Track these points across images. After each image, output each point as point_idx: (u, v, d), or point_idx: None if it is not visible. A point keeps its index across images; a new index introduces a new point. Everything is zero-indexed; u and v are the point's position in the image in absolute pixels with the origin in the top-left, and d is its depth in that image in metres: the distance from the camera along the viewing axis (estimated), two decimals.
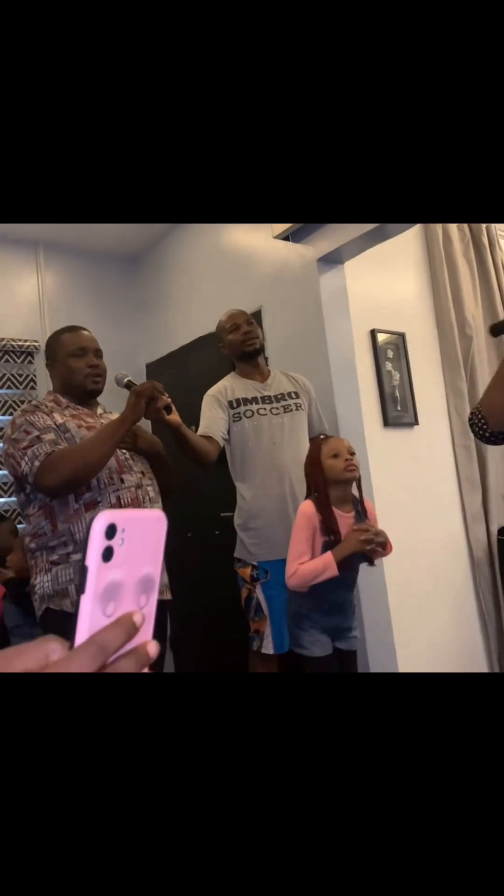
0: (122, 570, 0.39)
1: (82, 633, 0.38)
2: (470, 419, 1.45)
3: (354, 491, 1.90)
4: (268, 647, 2.06)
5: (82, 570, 0.38)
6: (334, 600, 1.84)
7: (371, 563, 1.85)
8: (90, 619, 0.38)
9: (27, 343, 3.29)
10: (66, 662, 0.36)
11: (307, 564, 1.78)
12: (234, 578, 2.25)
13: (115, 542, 0.38)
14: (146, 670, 0.39)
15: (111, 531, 0.38)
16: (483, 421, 1.40)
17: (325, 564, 1.75)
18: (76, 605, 0.38)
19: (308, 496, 1.89)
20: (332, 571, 1.74)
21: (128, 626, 0.38)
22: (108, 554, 0.38)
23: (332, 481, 1.83)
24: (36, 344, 3.29)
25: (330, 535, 1.79)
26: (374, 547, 1.77)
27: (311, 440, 1.95)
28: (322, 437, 1.94)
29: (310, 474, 1.89)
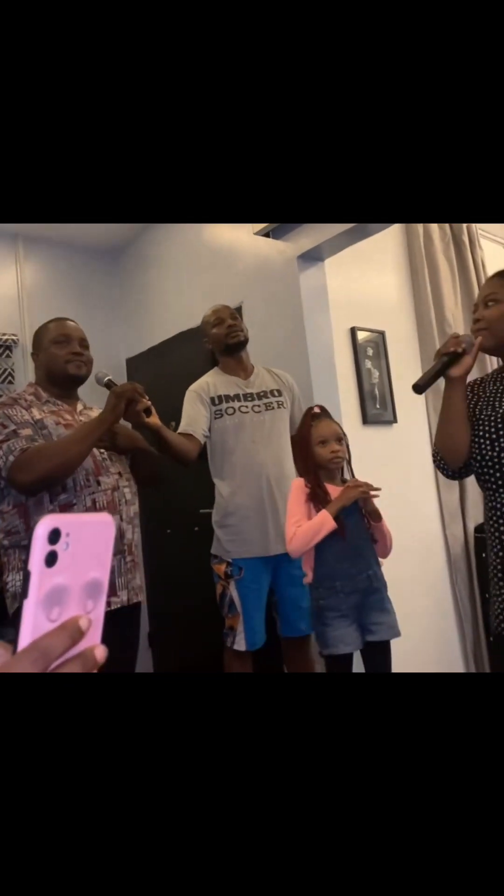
0: (66, 575, 0.39)
1: (25, 638, 0.37)
2: (433, 459, 1.49)
3: (347, 474, 1.92)
4: (240, 644, 2.06)
5: (25, 576, 0.37)
6: (347, 573, 1.78)
7: (374, 518, 1.81)
8: (34, 623, 0.38)
9: (6, 336, 3.25)
10: (5, 668, 0.36)
11: (304, 525, 1.77)
12: (213, 575, 2.25)
13: (58, 547, 0.38)
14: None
15: (54, 536, 0.38)
16: (442, 461, 1.44)
17: (322, 519, 1.75)
18: (19, 609, 0.38)
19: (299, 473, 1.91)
20: (330, 524, 1.73)
21: (72, 631, 0.38)
22: (51, 559, 0.38)
23: (319, 466, 1.85)
24: (14, 337, 3.25)
25: (323, 504, 1.79)
26: (368, 495, 1.76)
27: (305, 414, 1.93)
28: (317, 410, 1.92)
29: (298, 454, 1.90)
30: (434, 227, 3.19)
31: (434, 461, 1.47)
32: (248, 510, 2.11)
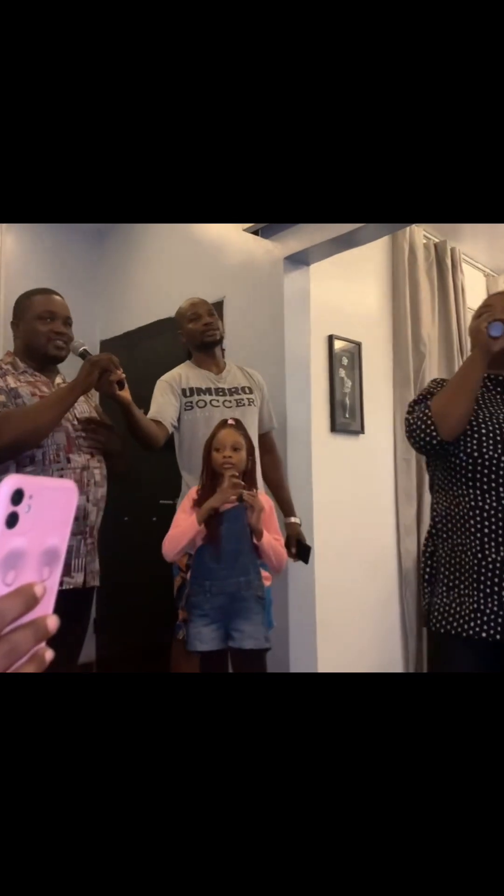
0: (25, 539, 0.37)
1: None
2: (415, 424, 1.40)
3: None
4: None
5: None
6: (217, 574, 1.78)
7: (256, 536, 1.78)
8: None
9: None
10: None
11: (175, 529, 1.80)
12: (166, 566, 2.23)
13: (20, 509, 0.37)
14: (42, 645, 0.38)
15: (17, 496, 0.37)
16: (433, 427, 1.36)
17: (188, 523, 1.76)
18: None
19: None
20: (193, 527, 1.75)
21: (27, 597, 0.37)
22: (12, 520, 0.36)
23: (214, 472, 1.84)
24: None
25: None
26: (237, 498, 1.74)
27: (218, 423, 1.93)
28: (230, 421, 1.91)
29: (203, 457, 1.90)
30: (419, 245, 3.24)
31: (421, 427, 1.38)
32: None
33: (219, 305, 2.78)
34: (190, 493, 1.88)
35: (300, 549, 2.23)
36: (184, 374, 2.21)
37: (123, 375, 1.66)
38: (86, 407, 1.72)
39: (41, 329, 1.65)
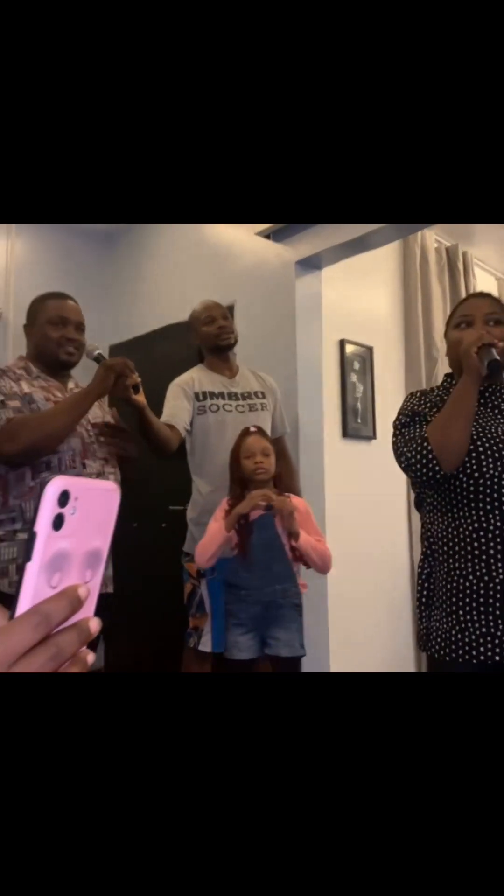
0: (71, 541, 0.37)
1: (25, 603, 0.36)
2: (414, 459, 1.33)
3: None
4: (206, 645, 2.02)
5: (31, 537, 0.35)
6: (252, 584, 1.80)
7: (293, 538, 1.79)
8: (35, 588, 0.36)
9: None
10: (6, 631, 0.34)
11: (205, 537, 1.82)
12: (175, 573, 2.21)
13: (66, 511, 0.36)
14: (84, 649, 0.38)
15: (64, 498, 0.36)
16: (434, 462, 1.29)
17: (216, 528, 1.78)
18: (21, 573, 0.36)
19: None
20: (221, 533, 1.76)
21: (72, 599, 0.36)
22: (58, 522, 0.36)
23: (246, 480, 1.86)
24: None
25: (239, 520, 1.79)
26: (268, 503, 1.74)
27: (241, 432, 1.94)
28: (252, 429, 1.92)
29: (230, 466, 1.91)
30: (431, 249, 3.22)
31: (421, 462, 1.31)
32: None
33: (230, 309, 2.76)
34: (222, 503, 1.89)
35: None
36: (197, 377, 2.20)
37: (139, 379, 1.64)
38: (98, 412, 1.70)
39: (52, 335, 1.63)
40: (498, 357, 1.29)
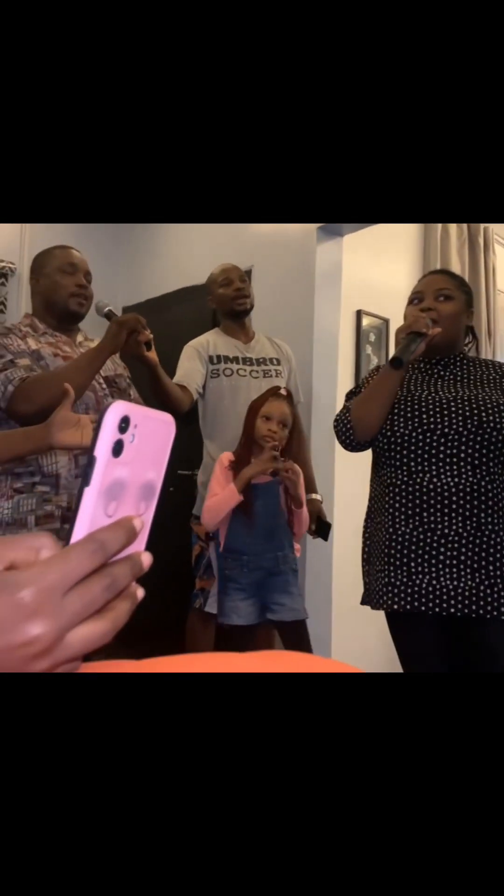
0: (128, 469, 0.36)
1: (81, 530, 0.34)
2: (337, 425, 1.49)
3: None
4: (212, 606, 2.04)
5: (90, 461, 0.34)
6: (254, 549, 1.78)
7: (296, 504, 1.80)
8: (92, 515, 0.34)
9: (2, 264, 3.12)
10: (62, 557, 0.33)
11: (214, 498, 1.79)
12: (182, 537, 2.22)
13: (126, 437, 0.35)
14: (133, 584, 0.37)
15: (125, 423, 0.35)
16: (351, 431, 1.44)
17: (228, 493, 1.76)
18: (78, 499, 0.35)
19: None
20: (235, 498, 1.74)
21: (128, 530, 0.35)
22: (118, 448, 0.35)
23: (254, 439, 1.83)
24: (12, 266, 3.13)
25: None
26: (277, 468, 1.73)
27: (268, 390, 1.92)
28: (283, 391, 1.89)
29: (246, 419, 1.87)
30: (452, 224, 3.16)
31: (341, 430, 1.47)
32: None
33: (247, 274, 2.72)
34: (221, 458, 1.86)
35: (320, 526, 2.20)
36: (212, 340, 2.17)
37: (151, 336, 1.62)
38: (110, 365, 1.69)
39: (63, 282, 1.60)
40: (413, 349, 1.36)
